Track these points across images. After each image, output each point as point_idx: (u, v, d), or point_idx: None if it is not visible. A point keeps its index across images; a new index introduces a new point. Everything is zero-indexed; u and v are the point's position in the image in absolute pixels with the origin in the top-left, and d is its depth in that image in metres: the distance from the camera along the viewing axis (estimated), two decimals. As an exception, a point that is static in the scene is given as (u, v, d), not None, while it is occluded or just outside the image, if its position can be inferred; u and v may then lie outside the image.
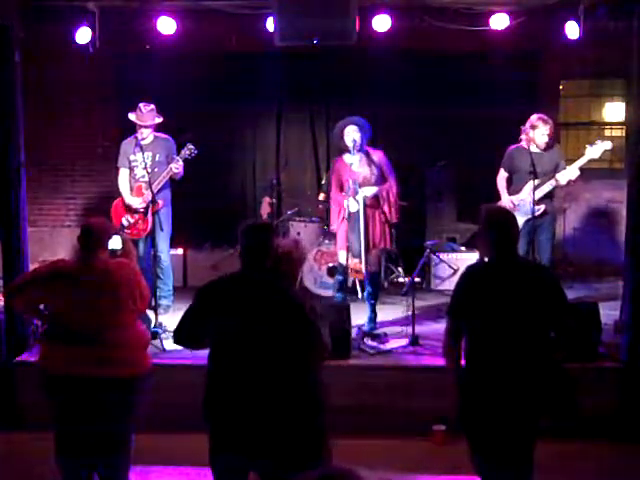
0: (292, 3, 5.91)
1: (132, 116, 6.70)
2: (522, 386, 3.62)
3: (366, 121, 6.33)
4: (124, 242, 4.41)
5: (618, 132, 9.28)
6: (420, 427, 5.36)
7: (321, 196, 8.12)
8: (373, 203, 6.26)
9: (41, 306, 4.28)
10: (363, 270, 6.21)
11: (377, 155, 6.37)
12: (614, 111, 9.34)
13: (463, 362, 3.76)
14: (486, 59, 8.28)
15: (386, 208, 6.30)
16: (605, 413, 5.43)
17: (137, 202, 6.71)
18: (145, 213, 6.67)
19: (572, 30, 6.25)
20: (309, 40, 6.06)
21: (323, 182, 8.33)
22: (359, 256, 6.18)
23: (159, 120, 6.75)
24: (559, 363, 3.74)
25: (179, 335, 3.71)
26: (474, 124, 8.57)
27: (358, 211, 6.15)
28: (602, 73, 8.83)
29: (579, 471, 4.96)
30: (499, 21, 6.36)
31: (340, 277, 6.50)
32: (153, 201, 6.42)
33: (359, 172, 6.24)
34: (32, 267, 5.68)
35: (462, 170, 8.59)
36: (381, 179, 6.31)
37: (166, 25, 6.40)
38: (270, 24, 6.22)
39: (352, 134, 6.20)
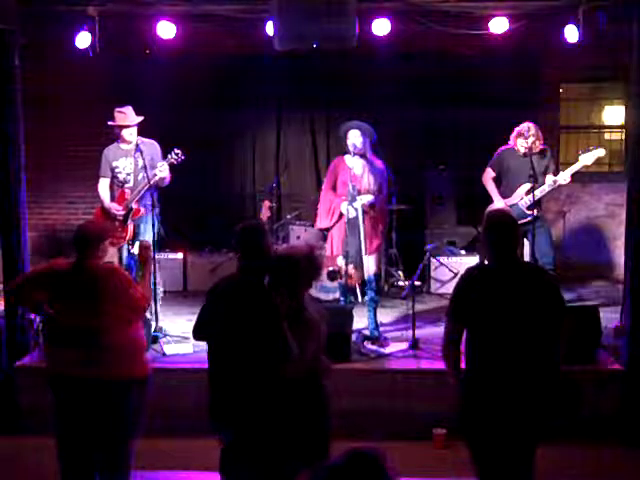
0: (292, 7, 5.91)
1: (119, 118, 6.37)
2: (523, 390, 3.61)
3: (370, 126, 6.30)
4: (142, 249, 4.42)
5: (617, 135, 9.30)
6: (420, 431, 5.36)
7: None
8: (369, 211, 6.23)
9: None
10: (358, 276, 6.18)
11: (379, 166, 6.34)
12: (613, 114, 9.35)
13: (463, 365, 3.77)
14: (486, 63, 8.29)
15: (379, 218, 6.31)
16: (606, 416, 5.43)
17: (115, 206, 6.44)
18: (124, 220, 6.44)
19: (571, 34, 6.26)
20: (309, 44, 6.06)
21: None
22: (354, 262, 6.16)
23: (141, 118, 6.45)
24: (559, 367, 3.73)
25: (194, 331, 3.88)
26: (474, 128, 8.58)
27: (356, 217, 6.15)
28: (601, 76, 8.84)
29: (579, 474, 4.95)
30: (499, 25, 6.36)
31: (342, 281, 6.48)
32: (130, 209, 6.34)
33: (360, 178, 6.23)
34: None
35: (462, 174, 8.58)
36: (378, 190, 6.28)
37: (166, 29, 6.41)
38: (270, 28, 6.22)
39: (353, 139, 6.20)
